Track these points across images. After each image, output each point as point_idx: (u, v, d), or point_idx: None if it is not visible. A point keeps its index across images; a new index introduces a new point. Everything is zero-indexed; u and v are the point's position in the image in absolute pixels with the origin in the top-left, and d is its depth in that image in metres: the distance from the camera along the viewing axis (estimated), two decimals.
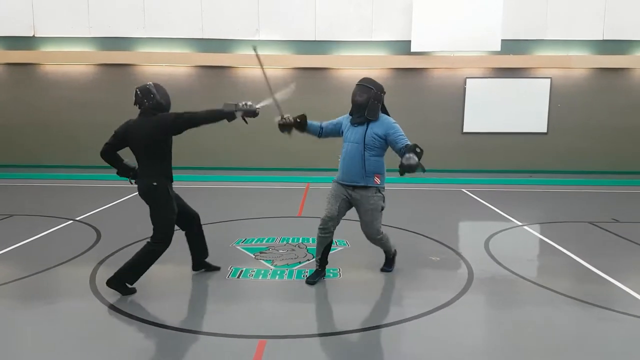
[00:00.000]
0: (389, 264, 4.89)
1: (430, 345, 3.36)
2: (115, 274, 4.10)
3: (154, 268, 4.82)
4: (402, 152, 4.12)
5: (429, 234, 6.23)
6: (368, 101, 4.33)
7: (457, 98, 10.70)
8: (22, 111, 11.06)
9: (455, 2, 10.14)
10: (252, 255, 5.26)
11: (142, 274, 4.18)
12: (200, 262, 4.70)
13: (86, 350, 3.26)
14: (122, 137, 4.18)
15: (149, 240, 4.18)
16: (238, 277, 4.61)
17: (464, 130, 10.83)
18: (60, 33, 10.71)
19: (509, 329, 3.70)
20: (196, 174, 10.68)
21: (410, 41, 10.30)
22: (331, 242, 4.57)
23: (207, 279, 4.60)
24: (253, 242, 5.72)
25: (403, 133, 4.33)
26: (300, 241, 5.81)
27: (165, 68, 10.85)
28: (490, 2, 10.08)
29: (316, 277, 4.53)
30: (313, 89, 10.83)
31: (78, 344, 3.35)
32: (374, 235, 4.52)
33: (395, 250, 4.90)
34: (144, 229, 6.23)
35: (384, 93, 4.46)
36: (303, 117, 4.64)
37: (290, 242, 5.78)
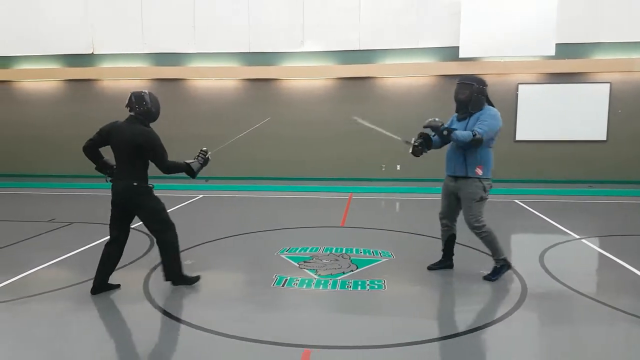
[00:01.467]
0: (493, 273, 4.76)
1: None
2: (169, 277, 4.48)
3: (205, 274, 4.90)
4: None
5: (481, 246, 6.00)
6: (471, 96, 4.52)
7: (509, 105, 10.35)
8: (80, 123, 11.65)
9: (506, 5, 9.85)
10: (296, 264, 5.25)
11: (180, 263, 4.50)
12: (99, 285, 4.42)
13: (137, 351, 3.34)
14: (105, 136, 4.31)
15: (156, 238, 4.47)
16: (283, 285, 4.61)
17: (517, 139, 10.46)
18: (116, 50, 11.26)
19: (564, 347, 3.47)
20: (240, 184, 10.88)
21: (458, 47, 10.10)
22: (453, 235, 4.98)
23: (253, 286, 4.63)
24: (297, 252, 5.72)
25: (487, 122, 4.41)
26: (344, 251, 5.74)
27: (214, 82, 11.17)
28: (543, 5, 9.71)
29: (438, 265, 5.04)
30: (357, 98, 10.81)
31: (131, 345, 3.46)
32: (471, 223, 4.64)
33: (506, 260, 4.75)
34: (194, 236, 6.40)
35: (486, 86, 4.61)
36: (426, 135, 4.76)
37: (333, 252, 5.73)
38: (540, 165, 10.47)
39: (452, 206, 4.85)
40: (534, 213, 8.14)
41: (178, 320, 3.84)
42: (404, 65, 10.57)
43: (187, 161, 4.55)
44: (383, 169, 10.95)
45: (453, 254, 5.08)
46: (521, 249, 6.51)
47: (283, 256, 5.56)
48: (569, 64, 10.02)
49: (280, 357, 3.27)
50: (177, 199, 9.70)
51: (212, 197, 9.98)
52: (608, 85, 10.07)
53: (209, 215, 8.18)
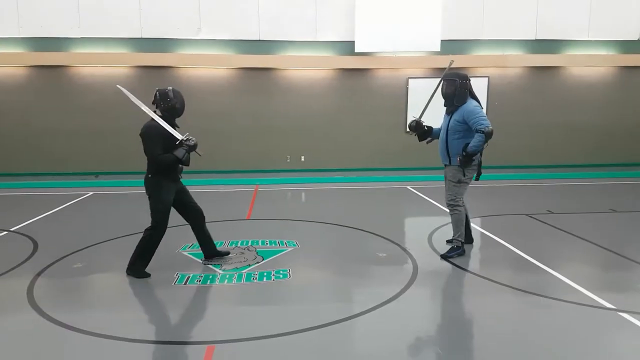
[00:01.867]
0: (450, 251, 5.20)
1: (377, 339, 3.43)
2: (129, 264, 4.63)
3: (99, 276, 4.68)
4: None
5: (376, 230, 6.35)
6: (455, 91, 4.99)
7: (400, 97, 10.95)
8: None
9: (396, 4, 10.38)
10: (199, 260, 5.16)
11: (149, 259, 4.64)
12: (210, 252, 5.05)
13: None
14: None
15: (147, 227, 4.61)
16: (185, 283, 4.51)
17: (407, 130, 11.10)
18: None
19: (451, 319, 3.84)
20: (135, 179, 10.36)
21: (354, 42, 10.45)
22: (465, 216, 5.33)
23: (153, 287, 4.47)
24: (200, 247, 5.60)
25: (478, 117, 4.87)
26: (250, 244, 5.76)
27: (103, 69, 10.45)
28: (430, 4, 10.40)
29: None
30: (258, 89, 10.76)
31: (17, 358, 3.17)
32: (447, 200, 5.24)
33: (462, 243, 5.22)
34: (83, 238, 6.01)
35: (469, 80, 5.06)
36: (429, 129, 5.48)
37: (239, 245, 5.72)
38: (429, 154, 11.21)
39: None
40: (424, 198, 8.75)
41: (70, 328, 3.59)
42: (303, 58, 10.70)
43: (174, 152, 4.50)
44: (288, 161, 11.05)
45: (470, 230, 5.57)
46: (412, 231, 6.99)
47: (185, 253, 5.43)
48: (452, 59, 10.81)
49: (183, 356, 3.22)
50: (64, 197, 8.99)
51: (103, 195, 9.37)
52: (486, 79, 11.06)
53: (101, 214, 7.70)
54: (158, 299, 4.25)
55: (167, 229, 4.66)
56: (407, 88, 11.03)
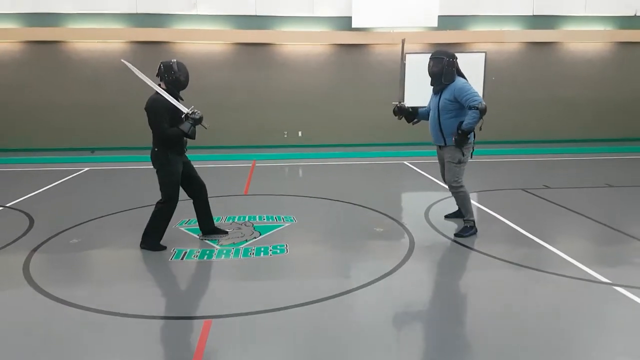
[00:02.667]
0: (463, 230, 5.11)
1: (373, 314, 3.46)
2: (142, 237, 4.67)
3: (95, 252, 4.69)
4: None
5: (374, 206, 6.36)
6: (442, 69, 4.85)
7: (397, 73, 10.82)
8: None
9: None
10: (196, 236, 5.16)
11: (162, 233, 4.69)
12: (208, 228, 5.07)
13: (23, 339, 3.11)
14: None
15: (158, 200, 4.65)
16: (182, 258, 4.52)
17: (406, 105, 11.03)
18: None
19: (447, 293, 3.88)
20: (131, 154, 10.31)
21: (351, 17, 10.30)
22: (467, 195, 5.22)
23: (149, 262, 4.49)
24: (197, 223, 5.60)
25: (469, 93, 4.76)
26: (247, 219, 5.76)
27: (98, 44, 10.29)
28: None
29: (454, 214, 5.58)
30: (255, 64, 10.64)
31: (14, 334, 3.19)
32: (450, 182, 5.11)
33: (474, 222, 5.14)
34: (79, 213, 6.01)
35: (456, 58, 4.93)
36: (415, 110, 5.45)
37: (236, 220, 5.73)
38: (425, 129, 11.16)
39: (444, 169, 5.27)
40: (420, 173, 8.76)
41: (66, 303, 3.60)
42: (300, 33, 10.55)
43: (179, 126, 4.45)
44: (285, 136, 11.00)
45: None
46: (409, 206, 7.01)
47: (182, 228, 5.43)
48: (449, 34, 10.71)
49: (179, 331, 3.23)
50: (60, 172, 8.94)
51: (99, 170, 9.33)
52: (483, 55, 10.93)
53: (97, 189, 7.67)
54: (155, 274, 4.27)
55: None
56: (405, 63, 10.87)
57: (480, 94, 11.12)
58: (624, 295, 3.68)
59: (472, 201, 6.64)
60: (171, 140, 4.48)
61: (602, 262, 4.44)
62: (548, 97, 11.37)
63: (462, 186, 5.08)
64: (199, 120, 4.48)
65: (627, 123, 11.57)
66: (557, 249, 4.70)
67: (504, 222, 5.65)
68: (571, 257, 4.47)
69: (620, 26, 11.08)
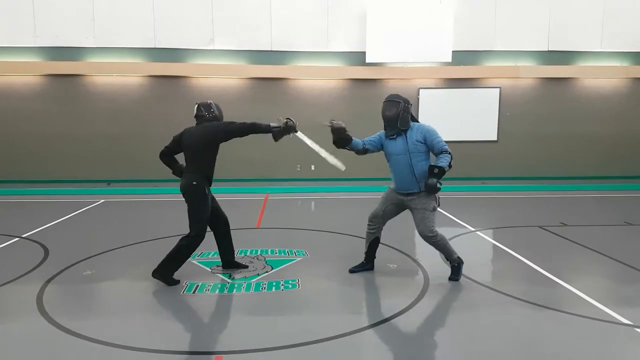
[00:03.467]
0: (454, 272, 4.85)
1: (387, 352, 3.38)
2: (158, 266, 4.59)
3: (109, 284, 4.69)
4: (437, 155, 4.59)
5: (387, 241, 6.28)
6: (398, 114, 4.68)
7: (412, 108, 10.90)
8: None
9: (408, 15, 10.41)
10: (208, 269, 5.14)
11: (180, 266, 4.65)
12: (228, 261, 5.05)
13: None
14: (178, 142, 4.78)
15: (184, 235, 4.63)
16: (194, 292, 4.49)
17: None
18: (2, 42, 10.24)
19: (464, 333, 3.77)
20: (146, 186, 10.42)
21: (365, 52, 10.48)
22: (377, 239, 5.10)
23: (162, 295, 4.46)
24: (209, 256, 5.59)
25: (439, 137, 4.64)
26: (259, 253, 5.73)
27: (116, 78, 10.57)
28: (441, 15, 10.41)
29: (360, 267, 5.12)
30: (269, 99, 10.81)
31: None
32: (425, 233, 4.72)
33: (459, 258, 4.87)
34: (94, 245, 6.03)
35: (411, 104, 4.81)
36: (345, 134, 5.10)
37: (248, 254, 5.70)
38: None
39: (389, 212, 4.99)
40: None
41: (78, 336, 3.57)
42: (314, 68, 10.74)
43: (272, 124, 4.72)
44: (299, 169, 11.06)
45: (375, 257, 5.17)
46: (424, 242, 6.89)
47: (194, 262, 5.41)
48: (464, 70, 10.82)
49: None
50: (76, 204, 9.06)
51: (114, 202, 9.44)
52: (498, 90, 11.00)
53: (113, 221, 7.74)
54: (166, 308, 4.24)
55: (177, 237, 4.65)
56: (418, 98, 11.01)
57: (495, 129, 11.17)
58: None
59: (486, 237, 6.57)
60: (252, 131, 4.68)
61: (623, 302, 4.30)
62: (563, 133, 11.31)
63: (437, 234, 4.74)
64: (291, 128, 4.77)
65: None
66: (576, 288, 4.58)
67: (521, 260, 5.53)
68: (590, 297, 4.34)
69: (637, 62, 11.09)
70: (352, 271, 5.07)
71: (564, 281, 4.77)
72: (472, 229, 7.01)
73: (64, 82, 10.49)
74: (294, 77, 10.80)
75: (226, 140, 4.67)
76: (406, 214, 5.02)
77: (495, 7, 10.83)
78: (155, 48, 10.49)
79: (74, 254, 5.68)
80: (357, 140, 5.06)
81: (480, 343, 3.59)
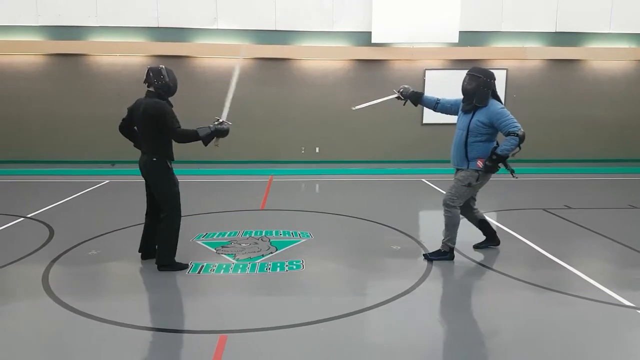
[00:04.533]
0: (435, 253, 4.89)
1: (389, 333, 3.40)
2: (157, 260, 4.51)
3: (114, 264, 4.72)
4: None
5: (391, 223, 6.30)
6: (477, 89, 4.54)
7: (417, 89, 10.79)
8: None
9: None
10: (213, 250, 5.17)
11: (174, 249, 4.52)
12: (150, 250, 4.81)
13: (41, 350, 3.13)
14: (130, 113, 4.51)
15: (161, 216, 4.47)
16: (199, 272, 4.52)
17: (424, 122, 11.00)
18: (4, 21, 10.16)
19: (467, 314, 3.79)
20: None
21: (370, 32, 10.34)
22: (482, 220, 5.16)
23: (166, 275, 4.48)
24: (214, 237, 5.62)
25: (508, 119, 4.51)
26: (264, 234, 5.75)
27: (119, 58, 10.50)
28: None
29: (484, 243, 5.24)
30: (274, 79, 10.73)
31: (32, 345, 3.21)
32: (445, 199, 4.78)
33: (452, 251, 4.85)
34: (99, 225, 6.07)
35: (494, 80, 4.64)
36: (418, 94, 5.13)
37: (253, 235, 5.72)
38: (445, 147, 11.08)
39: None
40: (438, 191, 8.66)
41: (84, 314, 3.62)
42: (320, 48, 10.62)
43: (197, 127, 4.38)
44: (303, 152, 11.03)
45: (494, 231, 5.21)
46: (427, 224, 6.92)
47: (199, 242, 5.44)
48: (470, 51, 10.67)
49: (195, 346, 3.23)
50: (81, 184, 9.09)
51: (119, 182, 9.46)
52: (505, 71, 10.87)
53: (117, 202, 7.76)
54: (171, 288, 4.27)
55: (182, 218, 4.65)
56: (424, 79, 10.90)
57: None
58: None
59: (491, 219, 6.55)
60: (187, 138, 4.33)
61: (626, 285, 4.31)
62: (570, 116, 11.20)
63: (455, 207, 4.75)
64: (223, 132, 4.37)
65: None
66: (580, 271, 4.58)
67: (525, 243, 5.53)
68: (594, 279, 4.35)
69: None
70: (476, 247, 5.20)
71: (567, 264, 4.77)
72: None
73: (66, 62, 10.43)
74: (299, 57, 10.69)
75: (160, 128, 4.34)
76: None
77: None
78: (158, 27, 10.39)
79: (79, 234, 5.72)
80: (429, 97, 5.12)
81: (483, 324, 3.61)
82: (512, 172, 4.76)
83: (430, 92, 10.96)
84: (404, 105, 5.24)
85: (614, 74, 11.10)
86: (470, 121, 4.62)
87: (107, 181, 9.55)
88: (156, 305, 3.91)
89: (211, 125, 4.38)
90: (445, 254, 4.85)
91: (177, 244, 4.56)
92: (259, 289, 4.20)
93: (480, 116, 4.57)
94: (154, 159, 4.38)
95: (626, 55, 10.91)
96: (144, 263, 4.75)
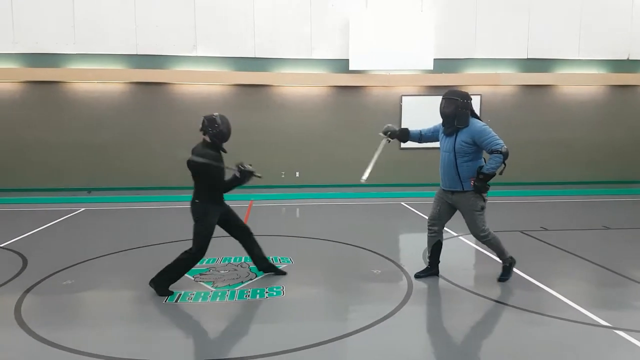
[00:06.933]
0: (504, 273, 4.96)
1: (373, 357, 3.37)
2: (156, 276, 4.56)
3: (89, 294, 4.61)
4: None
5: (372, 247, 6.32)
6: (456, 111, 4.62)
7: (394, 114, 11.00)
8: None
9: (389, 23, 10.51)
10: (191, 277, 5.09)
11: (177, 279, 4.62)
12: (264, 266, 5.13)
13: None
14: None
15: (186, 250, 4.62)
16: (176, 301, 4.44)
17: (402, 146, 11.14)
18: None
19: (446, 337, 3.80)
20: (127, 194, 10.31)
21: (348, 60, 10.55)
22: (440, 242, 5.04)
23: (143, 304, 4.40)
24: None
25: (491, 136, 4.58)
26: (243, 260, 5.70)
27: (97, 85, 10.45)
28: (423, 24, 10.54)
29: (425, 273, 5.08)
30: (253, 105, 10.78)
31: None
32: (477, 233, 4.80)
33: (512, 258, 4.96)
34: (74, 254, 5.93)
35: (471, 100, 4.72)
36: (404, 131, 5.21)
37: (232, 261, 5.66)
38: (423, 170, 11.25)
39: (444, 212, 4.96)
40: (417, 214, 8.74)
41: (58, 346, 3.51)
42: (299, 75, 10.76)
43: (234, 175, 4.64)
44: (283, 176, 11.03)
45: (439, 262, 5.12)
46: (407, 247, 6.96)
47: None
48: (445, 77, 10.94)
49: None
50: (56, 212, 8.91)
51: (95, 210, 9.30)
52: (479, 97, 11.15)
53: (93, 230, 7.62)
54: (148, 317, 4.18)
55: (159, 245, 4.60)
56: (401, 105, 11.11)
57: None
58: (625, 339, 3.62)
59: (469, 242, 6.63)
60: (229, 189, 4.65)
61: (602, 305, 4.39)
62: (543, 139, 11.50)
63: (489, 233, 4.81)
64: (251, 173, 4.67)
65: (621, 165, 11.66)
66: (557, 291, 4.65)
67: (501, 263, 5.58)
68: (571, 300, 4.42)
69: (613, 69, 11.35)
70: (417, 276, 5.07)
71: (545, 285, 4.84)
72: (455, 234, 7.07)
73: (44, 89, 10.32)
74: (278, 84, 10.81)
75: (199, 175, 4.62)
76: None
77: (475, 16, 11.01)
78: (137, 55, 10.41)
79: (54, 263, 5.58)
80: (414, 131, 5.21)
81: (462, 348, 3.62)
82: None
83: (407, 117, 11.26)
84: (389, 142, 5.31)
85: (583, 98, 11.48)
86: (454, 143, 4.69)
87: (84, 209, 9.38)
88: (132, 335, 3.82)
89: (245, 171, 4.66)
90: (511, 266, 5.00)
91: (179, 277, 4.67)
92: (238, 317, 4.14)
93: (463, 136, 4.64)
94: (196, 201, 4.60)
95: (594, 80, 11.32)
96: (119, 292, 4.64)
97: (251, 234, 5.09)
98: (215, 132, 4.60)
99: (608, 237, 7.06)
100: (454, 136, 4.70)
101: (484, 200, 4.75)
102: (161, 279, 4.57)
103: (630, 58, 11.35)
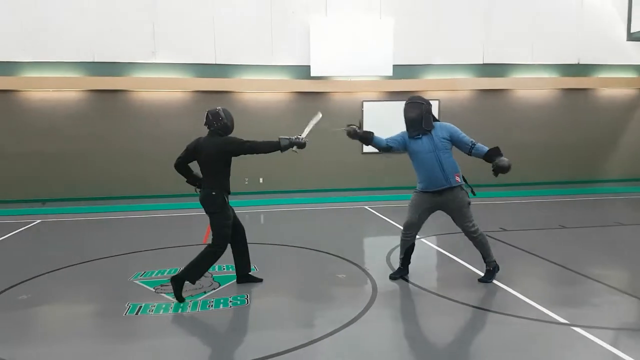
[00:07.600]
0: (487, 276, 5.01)
1: None
2: (179, 273, 4.57)
3: (46, 308, 4.45)
4: (471, 149, 4.97)
5: (336, 252, 6.34)
6: (422, 115, 4.80)
7: (355, 120, 11.05)
8: None
9: (349, 30, 10.65)
10: (152, 289, 4.97)
11: (202, 274, 4.67)
12: (244, 276, 5.08)
13: None
14: (192, 152, 4.76)
15: (209, 243, 4.69)
16: (137, 313, 4.33)
17: (364, 151, 11.27)
18: None
19: (410, 339, 3.85)
20: (83, 205, 10.00)
21: (309, 66, 10.59)
22: (413, 244, 5.15)
23: (103, 318, 4.27)
24: (153, 275, 5.42)
25: (462, 133, 4.96)
26: None
27: (54, 93, 10.10)
28: (382, 30, 10.74)
29: (398, 274, 5.17)
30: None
31: None
32: (469, 228, 4.91)
33: (495, 262, 5.03)
34: (29, 268, 5.70)
35: (431, 105, 4.97)
36: (368, 134, 5.15)
37: None
38: (385, 174, 11.40)
39: (422, 219, 5.08)
40: (381, 217, 8.84)
41: None
42: (260, 81, 10.73)
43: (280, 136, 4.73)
44: (246, 183, 10.94)
45: (410, 263, 5.26)
46: (371, 251, 7.02)
47: (137, 282, 5.22)
48: (404, 83, 11.15)
49: None
50: (10, 225, 8.53)
51: (51, 222, 8.96)
52: (437, 102, 11.41)
53: (49, 242, 7.33)
54: (107, 331, 4.05)
55: (118, 257, 4.47)
56: (362, 110, 11.24)
57: None
58: (583, 336, 3.74)
59: (430, 243, 6.75)
60: (262, 150, 4.74)
61: (560, 302, 4.52)
62: (499, 142, 11.46)
63: (478, 228, 4.96)
64: (302, 144, 4.81)
65: (575, 166, 12.17)
66: (515, 290, 4.78)
67: (463, 265, 5.73)
68: (529, 298, 4.55)
69: (565, 74, 11.85)
70: (392, 277, 5.15)
71: (504, 284, 4.97)
72: (418, 236, 7.16)
73: None
74: (239, 90, 10.74)
75: (237, 155, 4.73)
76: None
77: (432, 23, 11.27)
78: (94, 62, 10.13)
79: (8, 277, 5.34)
80: (379, 138, 5.14)
81: (425, 349, 3.68)
82: (472, 191, 5.09)
83: (369, 122, 11.37)
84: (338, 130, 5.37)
85: (537, 101, 11.93)
86: (434, 142, 4.86)
87: (39, 221, 9.02)
88: (91, 351, 3.69)
89: (292, 138, 4.75)
90: (494, 270, 5.06)
91: (205, 272, 4.70)
92: (201, 328, 4.07)
93: (440, 133, 4.89)
94: (213, 193, 4.64)
95: (547, 84, 11.79)
96: (77, 306, 4.48)
97: (245, 233, 5.09)
98: (220, 125, 4.71)
99: (565, 236, 7.32)
100: (430, 136, 4.87)
101: (468, 195, 4.98)
102: (188, 275, 4.58)
103: (580, 62, 11.88)
